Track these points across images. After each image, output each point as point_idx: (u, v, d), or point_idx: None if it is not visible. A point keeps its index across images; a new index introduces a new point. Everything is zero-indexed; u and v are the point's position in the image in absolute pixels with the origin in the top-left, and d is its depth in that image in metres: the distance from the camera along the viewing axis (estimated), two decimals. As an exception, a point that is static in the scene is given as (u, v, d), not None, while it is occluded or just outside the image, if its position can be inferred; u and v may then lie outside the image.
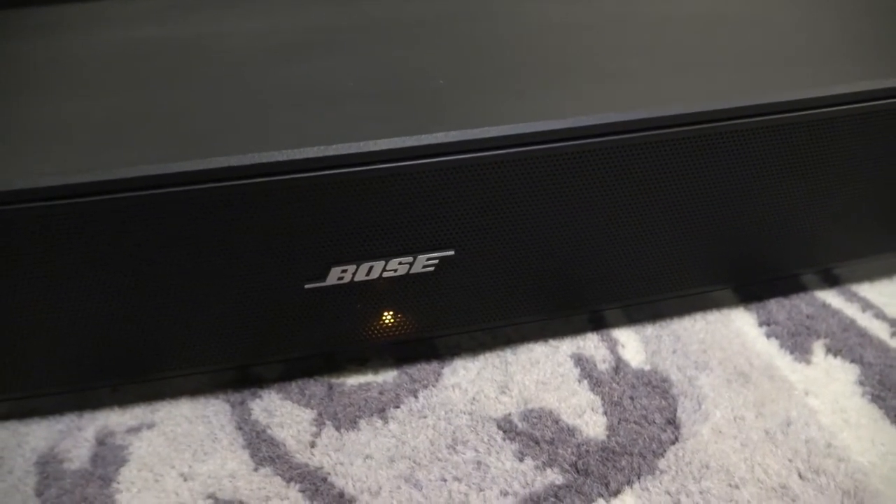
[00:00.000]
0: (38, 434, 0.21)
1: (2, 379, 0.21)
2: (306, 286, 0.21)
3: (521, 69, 0.25)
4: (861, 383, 0.22)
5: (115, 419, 0.22)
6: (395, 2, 0.33)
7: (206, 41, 0.29)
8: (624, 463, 0.19)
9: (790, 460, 0.19)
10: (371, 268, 0.21)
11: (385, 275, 0.21)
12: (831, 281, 0.27)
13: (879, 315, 0.25)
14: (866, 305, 0.25)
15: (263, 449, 0.20)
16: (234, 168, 0.18)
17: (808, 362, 0.23)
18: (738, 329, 0.24)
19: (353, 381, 0.23)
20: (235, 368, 0.23)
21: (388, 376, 0.23)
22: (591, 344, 0.24)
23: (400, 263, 0.21)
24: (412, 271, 0.21)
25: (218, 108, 0.22)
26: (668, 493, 0.18)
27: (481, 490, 0.19)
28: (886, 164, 0.24)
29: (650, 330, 0.25)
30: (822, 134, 0.23)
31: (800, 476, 0.19)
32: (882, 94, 0.22)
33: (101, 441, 0.21)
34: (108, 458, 0.20)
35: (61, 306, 0.19)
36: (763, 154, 0.22)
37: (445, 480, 0.19)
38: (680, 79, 0.23)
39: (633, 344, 0.24)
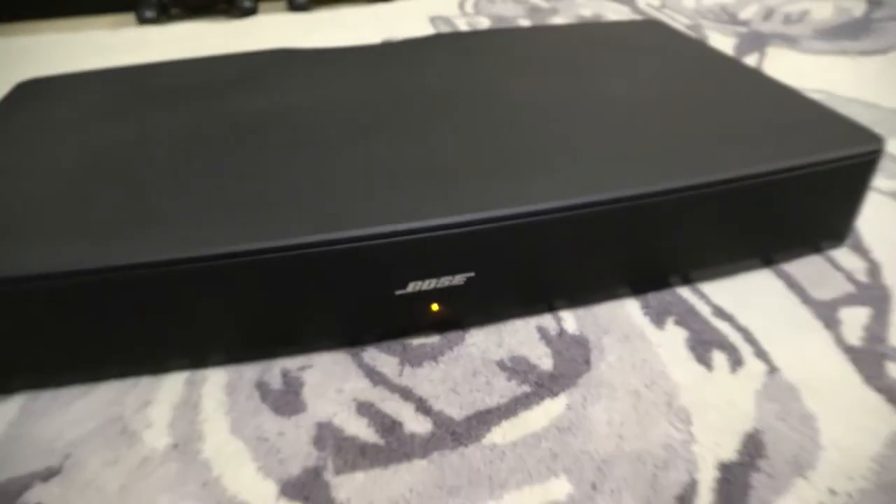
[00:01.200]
0: (249, 370, 0.40)
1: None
2: (396, 293, 0.39)
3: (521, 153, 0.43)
4: (687, 340, 0.41)
5: (288, 364, 0.40)
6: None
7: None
8: (561, 381, 0.38)
9: (642, 381, 0.38)
10: (428, 282, 0.39)
11: (438, 286, 0.39)
12: (687, 281, 0.46)
13: (708, 302, 0.44)
14: (702, 296, 0.45)
15: (375, 378, 0.39)
16: (373, 235, 0.36)
17: (663, 329, 0.42)
18: (628, 311, 0.44)
19: (417, 342, 0.42)
20: (354, 338, 0.42)
21: (435, 339, 0.42)
22: (547, 320, 0.43)
23: (446, 279, 0.39)
24: (452, 284, 0.39)
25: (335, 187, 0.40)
26: (582, 395, 0.38)
27: (490, 395, 0.38)
28: (733, 219, 0.43)
29: (581, 312, 0.44)
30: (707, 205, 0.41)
31: (646, 387, 0.38)
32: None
33: (286, 375, 0.39)
34: (292, 382, 0.39)
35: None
36: (672, 220, 0.41)
37: (472, 391, 0.38)
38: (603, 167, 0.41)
39: (570, 319, 0.43)
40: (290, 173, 0.42)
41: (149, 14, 1.10)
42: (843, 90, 0.75)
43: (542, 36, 0.68)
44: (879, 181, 0.57)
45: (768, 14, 1.03)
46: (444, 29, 0.99)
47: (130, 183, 0.41)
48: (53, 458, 0.35)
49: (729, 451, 0.34)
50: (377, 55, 0.62)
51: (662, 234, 0.42)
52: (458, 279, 0.39)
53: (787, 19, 1.01)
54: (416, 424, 0.36)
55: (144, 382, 0.39)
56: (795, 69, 0.81)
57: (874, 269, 0.47)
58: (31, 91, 0.57)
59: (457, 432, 0.36)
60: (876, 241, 0.50)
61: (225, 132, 0.47)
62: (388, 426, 0.36)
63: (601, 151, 0.43)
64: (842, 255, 0.48)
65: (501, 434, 0.35)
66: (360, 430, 0.36)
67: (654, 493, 0.32)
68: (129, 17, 1.14)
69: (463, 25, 1.01)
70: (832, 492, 0.32)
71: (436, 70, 0.58)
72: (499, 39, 0.67)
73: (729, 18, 1.02)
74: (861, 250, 0.49)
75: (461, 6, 1.10)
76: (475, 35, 0.69)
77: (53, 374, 0.39)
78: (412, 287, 0.39)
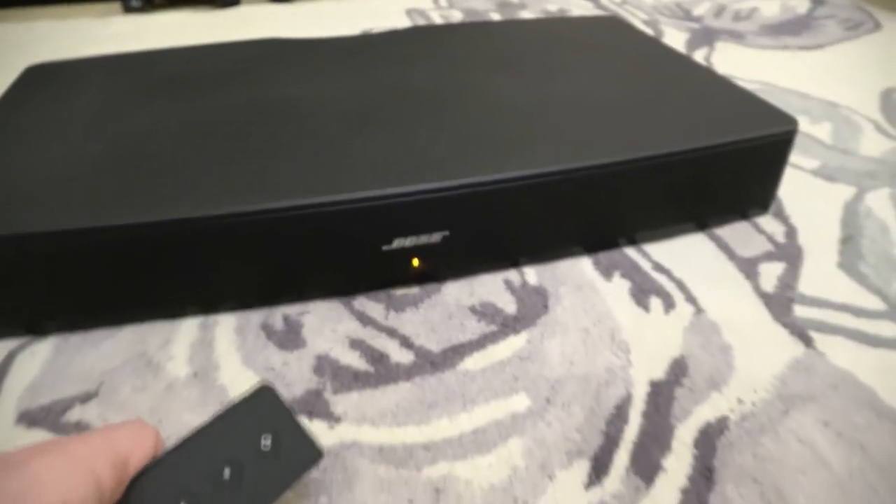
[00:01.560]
0: (254, 315, 0.46)
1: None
2: (383, 248, 0.45)
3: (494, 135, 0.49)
4: (630, 289, 0.48)
5: (289, 310, 0.46)
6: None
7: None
8: (523, 321, 0.45)
9: (591, 321, 0.46)
10: (410, 239, 0.46)
11: (418, 243, 0.46)
12: (632, 242, 0.53)
13: (648, 259, 0.52)
14: (644, 254, 0.52)
15: (364, 320, 0.46)
16: (380, 196, 0.43)
17: (611, 281, 0.49)
18: (582, 267, 0.51)
19: (400, 292, 0.48)
20: (347, 288, 0.48)
21: (415, 290, 0.48)
22: (512, 274, 0.50)
23: (425, 237, 0.46)
24: (430, 241, 0.46)
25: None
26: (540, 332, 0.45)
27: (463, 333, 0.45)
28: (671, 189, 0.50)
29: (541, 267, 0.51)
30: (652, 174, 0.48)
31: (594, 325, 0.45)
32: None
33: (286, 319, 0.46)
34: (293, 324, 0.45)
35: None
36: (623, 186, 0.48)
37: (447, 330, 0.45)
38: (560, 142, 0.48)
39: (532, 273, 0.50)
40: (290, 149, 0.48)
41: (134, 3, 1.14)
42: (781, 82, 0.83)
43: (511, 30, 0.75)
44: (803, 160, 0.65)
45: (720, 11, 1.12)
46: (421, 22, 1.06)
47: (147, 157, 0.47)
48: (89, 384, 0.40)
49: (659, 372, 0.41)
50: (361, 45, 0.68)
51: (610, 201, 0.50)
52: (436, 237, 0.46)
53: (737, 16, 1.09)
54: (401, 356, 0.43)
55: (162, 326, 0.45)
56: (740, 62, 0.89)
57: (791, 232, 0.55)
58: (40, 75, 0.62)
59: (435, 362, 0.42)
60: (795, 210, 0.58)
61: (229, 115, 0.53)
62: (377, 357, 0.43)
63: (559, 132, 0.50)
64: (765, 221, 0.56)
65: (472, 362, 0.42)
66: (353, 360, 0.42)
67: (597, 404, 0.39)
68: (115, 5, 1.18)
69: (437, 18, 1.07)
70: (740, 401, 0.40)
71: (414, 60, 0.64)
72: (471, 33, 0.73)
73: (683, 15, 1.10)
74: (782, 217, 0.57)
75: (436, 0, 1.16)
76: (449, 28, 0.76)
77: (83, 320, 0.45)
78: (397, 244, 0.45)
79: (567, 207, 0.48)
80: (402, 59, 0.64)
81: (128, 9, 1.15)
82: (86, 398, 0.40)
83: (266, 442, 0.27)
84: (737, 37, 1.00)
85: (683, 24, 1.05)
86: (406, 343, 0.44)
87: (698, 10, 1.12)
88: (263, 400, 0.29)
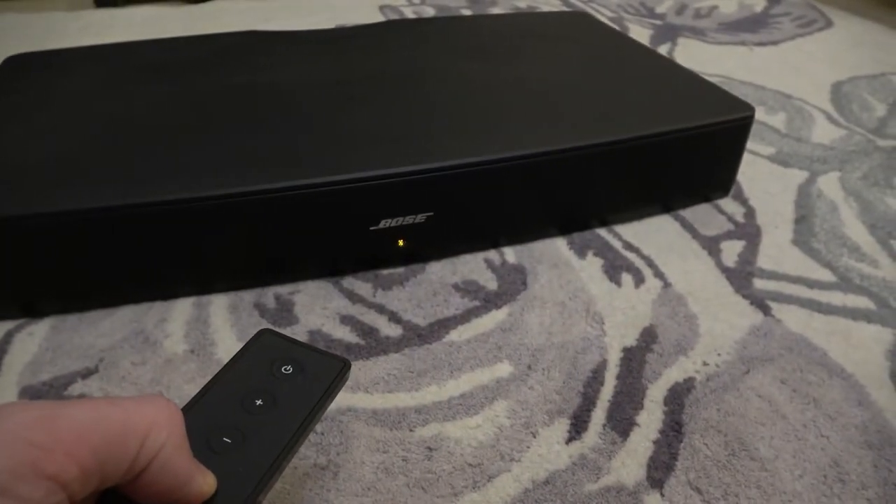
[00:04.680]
0: (247, 295, 0.48)
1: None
2: (371, 228, 0.48)
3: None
4: (602, 266, 0.52)
5: (280, 290, 0.48)
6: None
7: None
8: (504, 297, 0.48)
9: (567, 296, 0.49)
10: (396, 220, 0.48)
11: (404, 223, 0.48)
12: (604, 224, 0.57)
13: (619, 238, 0.55)
14: (615, 235, 0.55)
15: (354, 298, 0.48)
16: (363, 177, 0.45)
17: (584, 259, 0.52)
18: (557, 247, 0.54)
19: (386, 272, 0.50)
20: (337, 267, 0.50)
21: (401, 270, 0.51)
22: (492, 254, 0.53)
23: (410, 217, 0.48)
24: (415, 221, 0.48)
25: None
26: (520, 307, 0.47)
27: (447, 308, 0.47)
28: (638, 173, 0.53)
29: (519, 247, 0.53)
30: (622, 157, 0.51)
31: (570, 299, 0.48)
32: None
33: (278, 298, 0.48)
34: (285, 303, 0.47)
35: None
36: (595, 169, 0.51)
37: (433, 306, 0.47)
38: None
39: (511, 253, 0.53)
40: (277, 131, 0.50)
41: (105, -3, 1.14)
42: (739, 75, 0.88)
43: (482, 23, 0.78)
44: (760, 147, 0.70)
45: (681, 9, 1.16)
46: (393, 17, 1.08)
47: (137, 140, 0.48)
48: (89, 360, 0.42)
49: (630, 340, 0.45)
50: (339, 37, 0.70)
51: (582, 183, 0.53)
52: (420, 217, 0.48)
53: (698, 14, 1.14)
54: (390, 330, 0.45)
55: (158, 306, 0.47)
56: (701, 57, 0.94)
57: (750, 212, 0.59)
58: (22, 64, 0.62)
59: (422, 334, 0.45)
60: (754, 193, 0.62)
61: (214, 100, 0.55)
62: (367, 331, 0.45)
63: (534, 117, 0.53)
64: (726, 203, 0.60)
65: (458, 334, 0.45)
66: (345, 334, 0.45)
67: (574, 369, 0.42)
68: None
69: (410, 14, 1.10)
70: (705, 363, 0.43)
71: (392, 50, 0.66)
72: (444, 27, 0.76)
73: (647, 12, 1.14)
74: (741, 199, 0.61)
75: (381, 9, 1.18)
76: (423, 22, 0.78)
77: (78, 300, 0.46)
78: (384, 224, 0.48)
79: (543, 189, 0.51)
80: (380, 49, 0.66)
81: (99, 2, 1.14)
82: (87, 373, 0.41)
83: (288, 368, 0.27)
84: (697, 33, 1.04)
85: (647, 21, 1.09)
86: (394, 318, 0.46)
87: (661, 8, 1.16)
88: (268, 340, 0.29)
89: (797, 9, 1.19)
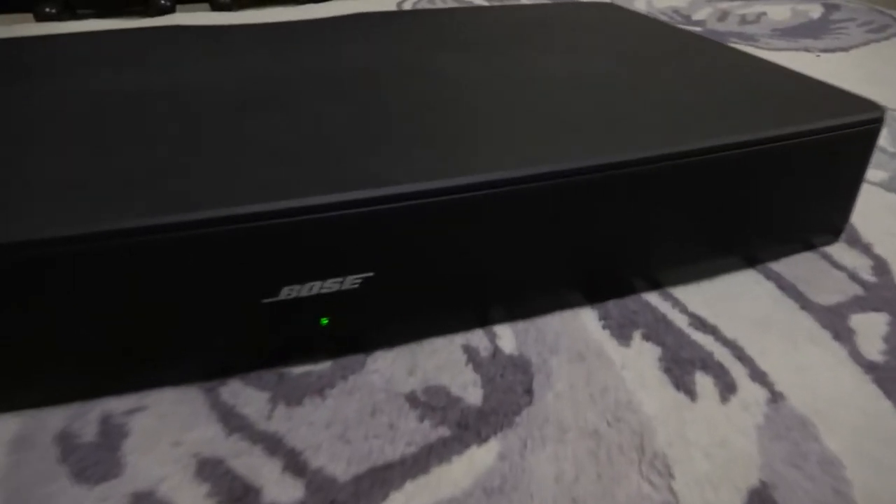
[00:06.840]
0: (55, 415, 0.28)
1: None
2: (264, 301, 0.28)
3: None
4: (660, 359, 0.31)
5: (114, 405, 0.29)
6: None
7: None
8: (492, 420, 0.28)
9: (602, 413, 0.28)
10: (309, 286, 0.28)
11: (323, 291, 0.28)
12: (655, 285, 0.36)
13: (683, 310, 0.34)
14: (676, 303, 0.35)
15: (233, 422, 0.28)
16: (232, 217, 0.25)
17: (628, 346, 0.32)
18: (582, 323, 0.33)
19: (299, 370, 0.30)
20: (211, 367, 0.30)
21: (325, 366, 0.31)
22: (477, 336, 0.32)
23: (334, 281, 0.28)
24: (343, 288, 0.29)
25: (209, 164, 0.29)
26: (519, 438, 0.27)
27: (393, 443, 0.27)
28: (705, 204, 0.34)
29: (522, 325, 0.33)
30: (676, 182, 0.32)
31: (608, 424, 0.28)
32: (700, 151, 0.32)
33: (105, 421, 0.28)
34: (112, 432, 0.27)
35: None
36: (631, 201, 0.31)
37: (367, 438, 0.27)
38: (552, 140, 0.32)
39: (507, 335, 0.33)
40: (145, 150, 0.30)
41: (48, 9, 0.98)
42: (811, 83, 0.68)
43: (502, 15, 0.59)
44: (867, 171, 0.49)
45: (723, 16, 0.97)
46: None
47: None
48: None
49: (728, 515, 0.24)
50: (292, 32, 0.52)
51: (619, 220, 0.33)
52: (352, 281, 0.29)
53: (744, 20, 0.95)
54: (280, 490, 0.25)
55: None
56: (758, 63, 0.74)
57: (881, 266, 0.38)
58: None
59: (337, 501, 0.24)
60: (874, 235, 0.41)
61: (92, 108, 0.36)
62: (238, 496, 0.25)
63: (549, 123, 0.34)
64: (839, 251, 0.39)
65: (404, 501, 0.24)
66: (197, 502, 0.24)
67: (624, 586, 0.22)
68: (29, 15, 1.01)
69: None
70: (880, 574, 0.22)
71: (362, 47, 0.48)
72: (460, 18, 0.58)
73: (683, 19, 0.96)
74: (861, 245, 0.40)
75: (399, 5, 1.01)
76: (410, 14, 0.60)
77: None
78: (286, 293, 0.28)
79: (559, 231, 0.31)
80: (339, 45, 0.48)
81: (41, 17, 0.99)
82: None
83: None
84: (748, 39, 0.85)
85: (686, 28, 0.91)
86: (294, 464, 0.26)
87: (699, 15, 0.98)
88: None
89: (862, 14, 0.99)
